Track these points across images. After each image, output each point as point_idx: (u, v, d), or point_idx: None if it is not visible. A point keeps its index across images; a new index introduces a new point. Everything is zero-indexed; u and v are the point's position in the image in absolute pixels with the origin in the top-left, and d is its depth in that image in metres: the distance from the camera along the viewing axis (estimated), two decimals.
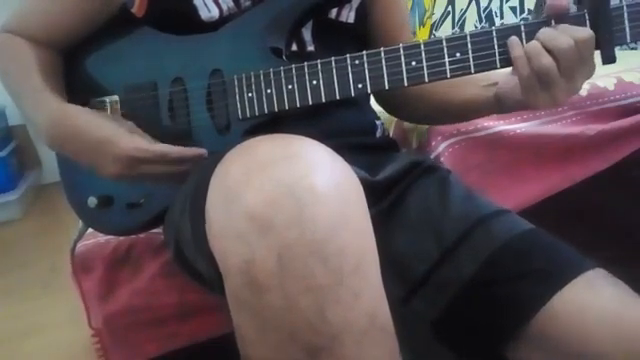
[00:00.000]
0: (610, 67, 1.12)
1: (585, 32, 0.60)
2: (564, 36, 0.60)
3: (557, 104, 0.63)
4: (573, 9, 0.63)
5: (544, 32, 0.61)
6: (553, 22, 0.62)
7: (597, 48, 0.61)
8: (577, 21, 0.61)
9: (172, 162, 0.70)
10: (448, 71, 0.64)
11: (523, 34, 0.63)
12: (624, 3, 0.61)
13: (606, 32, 0.61)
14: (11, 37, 0.80)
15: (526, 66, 0.61)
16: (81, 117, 0.72)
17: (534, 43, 0.61)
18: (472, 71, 0.64)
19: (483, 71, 0.64)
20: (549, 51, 0.60)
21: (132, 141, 0.69)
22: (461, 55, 0.64)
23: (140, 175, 0.70)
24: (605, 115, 1.03)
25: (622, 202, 1.11)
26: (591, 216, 1.08)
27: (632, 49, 1.50)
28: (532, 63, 0.61)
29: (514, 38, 0.62)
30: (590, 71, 0.62)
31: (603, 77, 1.08)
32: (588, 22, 0.61)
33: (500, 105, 0.71)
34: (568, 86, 0.62)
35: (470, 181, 0.78)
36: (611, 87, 1.06)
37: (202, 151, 0.72)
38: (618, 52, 0.63)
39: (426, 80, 0.65)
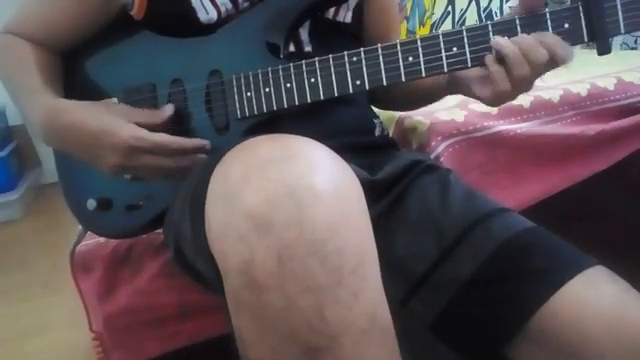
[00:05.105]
0: (610, 67, 1.13)
1: (566, 48, 0.61)
2: (542, 49, 0.61)
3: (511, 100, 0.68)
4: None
5: (526, 42, 0.62)
6: (548, 15, 0.62)
7: (592, 40, 0.62)
8: (571, 13, 0.62)
9: (173, 153, 0.70)
10: (445, 65, 0.65)
11: (518, 28, 0.63)
12: None
13: (600, 24, 0.61)
14: (11, 38, 0.80)
15: (505, 80, 0.63)
16: (77, 110, 0.72)
17: (515, 53, 0.61)
18: (469, 65, 0.65)
19: (480, 65, 0.65)
20: (528, 62, 0.62)
21: (131, 130, 0.68)
22: (457, 50, 0.64)
23: (140, 167, 0.70)
24: (605, 115, 1.03)
25: (622, 202, 1.11)
26: (591, 216, 1.08)
27: (632, 49, 1.50)
28: (510, 75, 0.63)
29: (488, 58, 0.63)
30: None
31: (603, 77, 1.08)
32: (582, 14, 0.61)
33: (450, 88, 0.75)
34: (527, 88, 0.66)
35: (470, 181, 0.78)
36: (611, 87, 1.06)
37: (204, 142, 0.71)
38: (619, 52, 0.63)
39: (423, 75, 0.65)
